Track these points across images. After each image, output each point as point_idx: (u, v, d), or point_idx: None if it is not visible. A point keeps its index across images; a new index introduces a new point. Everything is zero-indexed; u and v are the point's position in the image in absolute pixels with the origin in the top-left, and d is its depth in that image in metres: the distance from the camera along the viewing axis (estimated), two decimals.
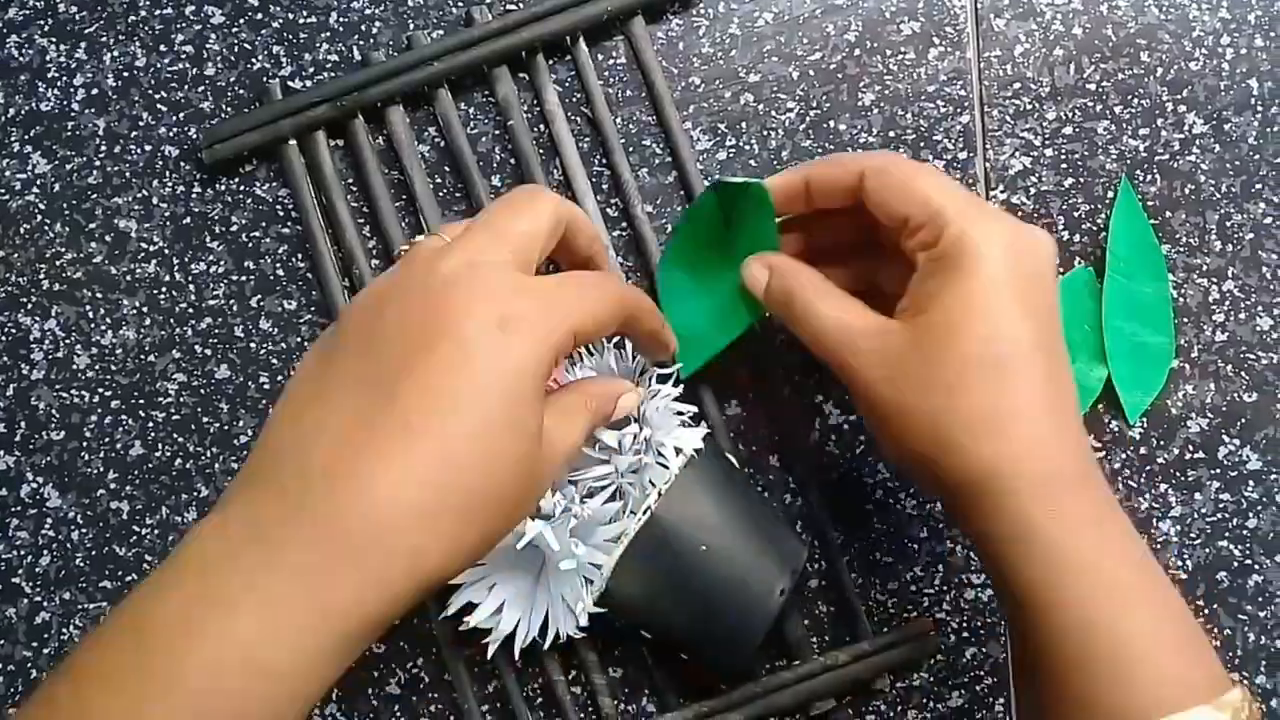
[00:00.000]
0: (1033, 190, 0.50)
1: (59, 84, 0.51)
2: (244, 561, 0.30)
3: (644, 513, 0.43)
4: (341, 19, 0.51)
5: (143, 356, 0.50)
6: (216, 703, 0.29)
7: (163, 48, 0.51)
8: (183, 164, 0.51)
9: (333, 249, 0.50)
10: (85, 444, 0.50)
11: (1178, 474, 0.49)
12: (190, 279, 0.50)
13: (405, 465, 0.31)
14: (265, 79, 0.51)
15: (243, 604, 0.30)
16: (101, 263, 0.50)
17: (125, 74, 0.51)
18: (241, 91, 0.51)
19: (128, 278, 0.50)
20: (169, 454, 0.49)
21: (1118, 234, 0.49)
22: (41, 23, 0.51)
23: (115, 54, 0.51)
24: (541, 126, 0.50)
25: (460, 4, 0.51)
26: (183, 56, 0.51)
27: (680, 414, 0.46)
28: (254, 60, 0.51)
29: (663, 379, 0.47)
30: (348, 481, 0.31)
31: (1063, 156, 0.50)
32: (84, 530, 0.49)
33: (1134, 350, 0.49)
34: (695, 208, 0.46)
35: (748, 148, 0.50)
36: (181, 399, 0.50)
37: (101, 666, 0.30)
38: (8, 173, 0.51)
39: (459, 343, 0.32)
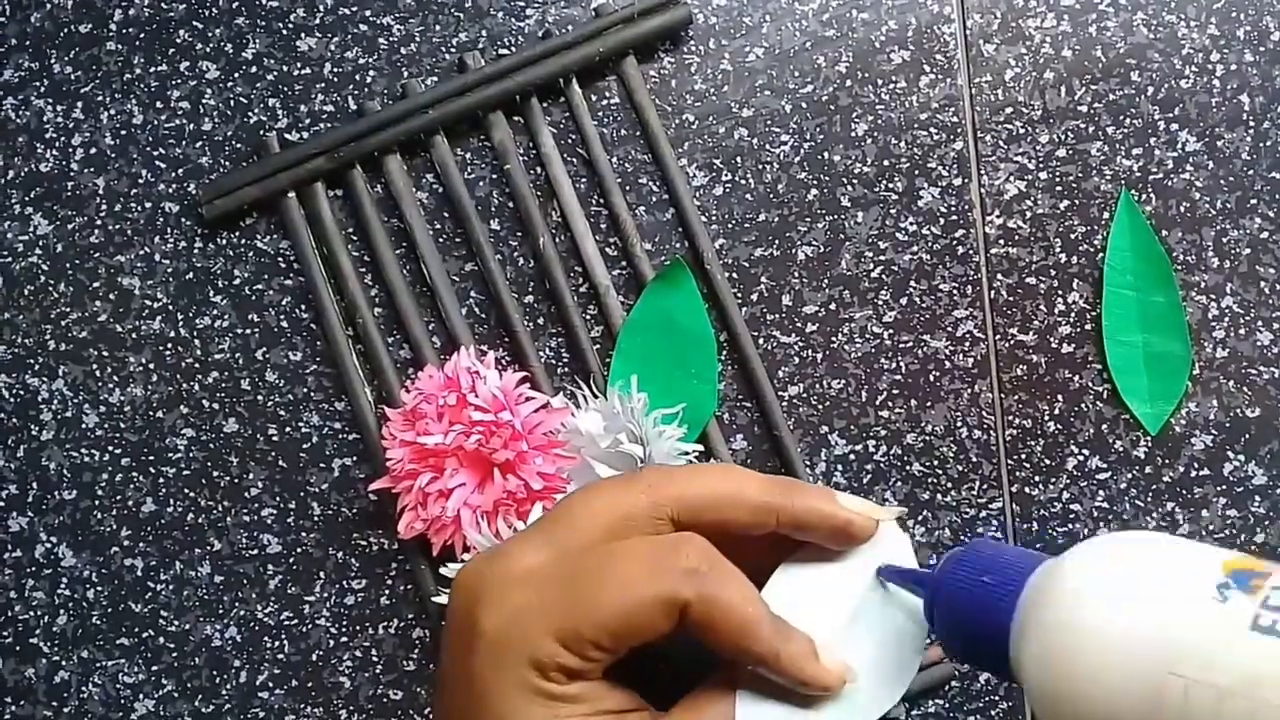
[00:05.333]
0: (1028, 214, 0.50)
1: (57, 144, 0.51)
2: None
3: None
4: (335, 69, 0.51)
5: (151, 413, 0.50)
6: None
7: (159, 104, 0.51)
8: (183, 220, 0.51)
9: (335, 299, 0.50)
10: (97, 502, 0.50)
11: (1184, 492, 0.49)
12: (195, 334, 0.50)
13: None
14: (262, 132, 0.51)
15: None
16: (106, 321, 0.51)
17: (123, 132, 0.51)
18: (239, 145, 0.51)
19: (133, 335, 0.50)
20: (180, 509, 0.50)
21: (1120, 247, 0.50)
22: (37, 84, 0.51)
23: (112, 112, 0.51)
24: (538, 169, 0.51)
25: (453, 50, 0.51)
26: (179, 112, 0.51)
27: (686, 453, 0.46)
28: (250, 114, 0.51)
29: (667, 419, 0.47)
30: None
31: (1057, 179, 0.50)
32: (99, 588, 0.50)
33: (1149, 361, 0.49)
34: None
35: (743, 182, 0.50)
36: (191, 454, 0.50)
37: None
38: (10, 235, 0.51)
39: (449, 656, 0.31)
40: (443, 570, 0.46)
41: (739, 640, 0.30)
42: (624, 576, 0.30)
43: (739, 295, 0.50)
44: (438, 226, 0.51)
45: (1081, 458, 0.49)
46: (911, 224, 0.50)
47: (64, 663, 0.49)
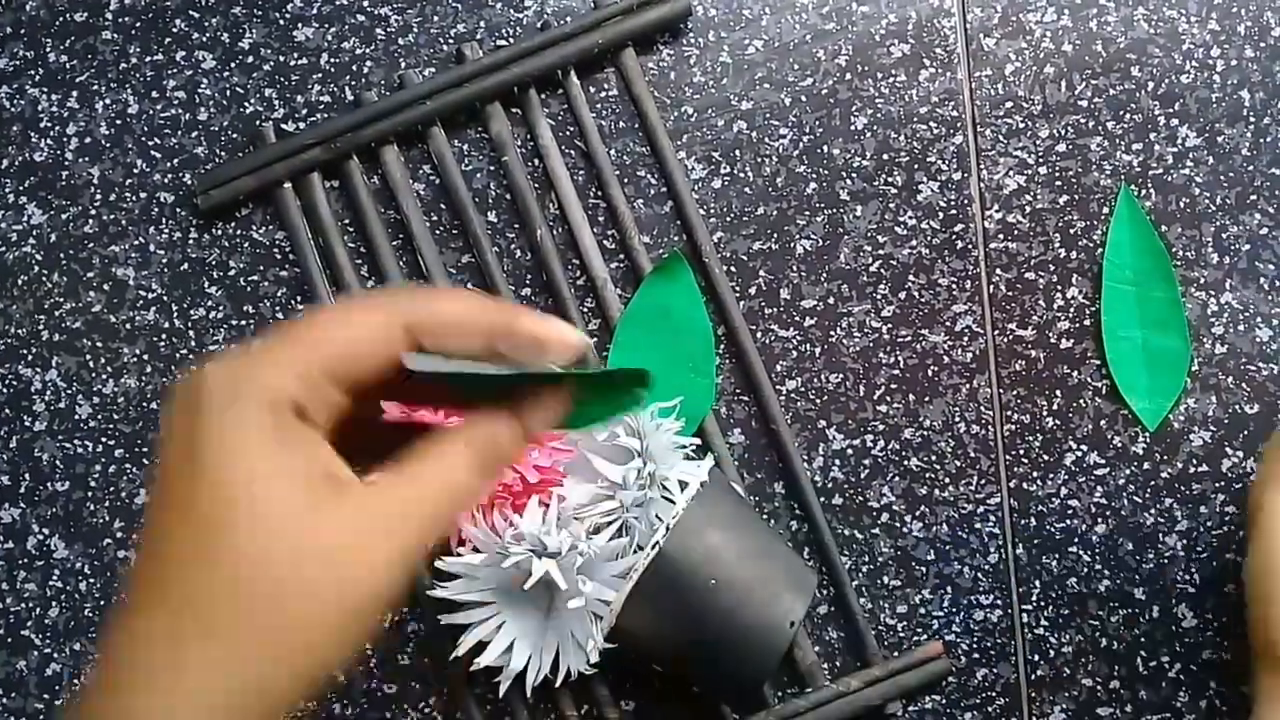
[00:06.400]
0: (1028, 209, 0.50)
1: (52, 134, 0.51)
2: None
3: (652, 548, 0.43)
4: (333, 60, 0.51)
5: (145, 404, 0.50)
6: None
7: (155, 94, 0.51)
8: (178, 210, 0.51)
9: (331, 290, 0.50)
10: (90, 494, 0.50)
11: (1183, 488, 0.49)
12: (190, 325, 0.50)
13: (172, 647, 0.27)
14: (258, 122, 0.51)
15: None
16: (101, 311, 0.50)
17: (118, 122, 0.51)
18: (235, 135, 0.51)
19: (127, 326, 0.50)
20: None
21: (1119, 243, 0.49)
22: (32, 73, 0.51)
23: (107, 102, 0.51)
24: (536, 161, 0.50)
25: (451, 41, 0.51)
26: (175, 102, 0.51)
27: (683, 447, 0.46)
28: (246, 104, 0.51)
29: (664, 413, 0.47)
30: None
31: (1057, 174, 0.50)
32: (92, 580, 0.49)
33: (1148, 357, 0.49)
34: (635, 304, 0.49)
35: (742, 175, 0.50)
36: None
37: None
38: (3, 224, 0.51)
39: (163, 464, 0.29)
40: (437, 563, 0.46)
41: (476, 321, 0.30)
42: (349, 317, 0.29)
43: (737, 289, 0.50)
44: (434, 218, 0.50)
45: (1080, 453, 0.49)
46: (910, 218, 0.50)
47: (56, 655, 0.49)
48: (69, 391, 0.50)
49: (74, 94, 0.51)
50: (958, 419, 0.49)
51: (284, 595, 0.27)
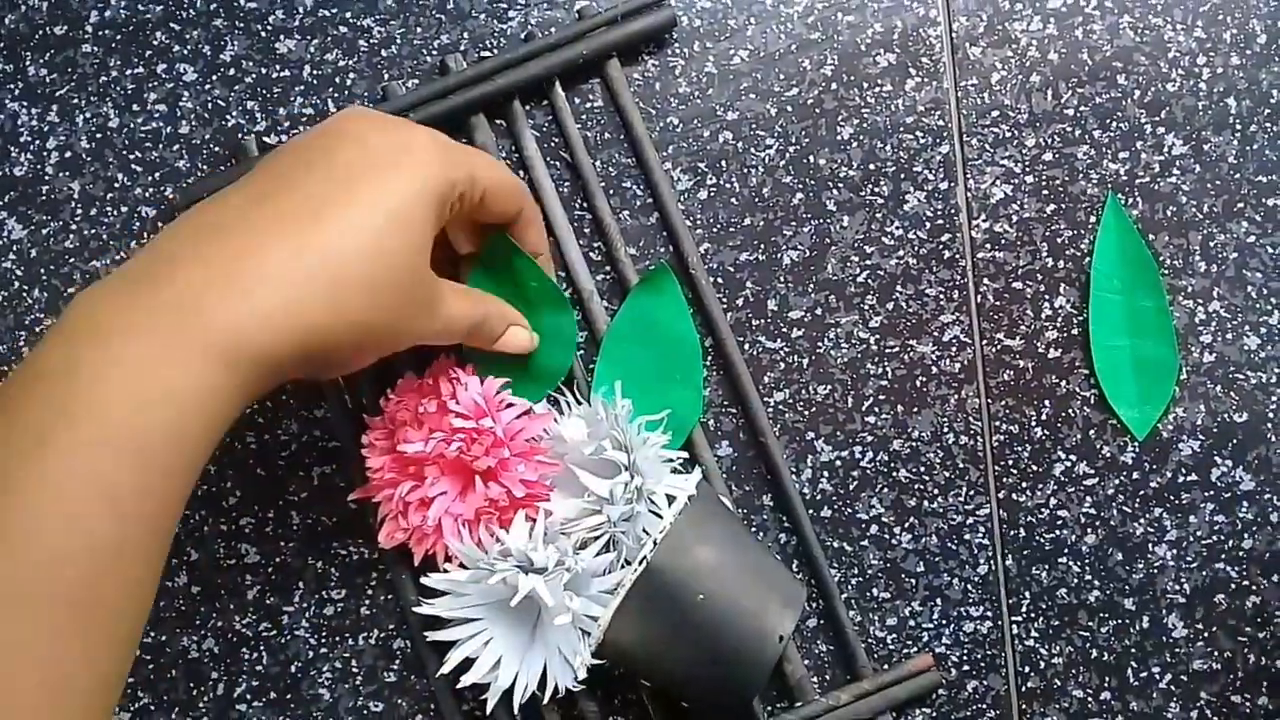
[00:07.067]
0: (1015, 218, 0.50)
1: (31, 148, 0.50)
2: (123, 302, 0.33)
3: (639, 563, 0.42)
4: (315, 72, 0.50)
5: None
6: (118, 427, 0.32)
7: (135, 107, 0.51)
8: (160, 225, 0.50)
9: None
10: None
11: (1172, 498, 0.49)
12: None
13: (295, 232, 0.35)
14: (240, 135, 0.50)
15: (127, 334, 0.32)
16: None
17: (98, 135, 0.50)
18: (217, 149, 0.50)
19: None
20: None
21: (1106, 252, 0.49)
22: (11, 86, 0.51)
23: (88, 115, 0.51)
24: (521, 172, 0.50)
25: (434, 53, 0.50)
26: (156, 115, 0.51)
27: (670, 460, 0.46)
28: (228, 117, 0.50)
29: (651, 426, 0.46)
30: (239, 237, 0.35)
31: (1044, 183, 0.50)
32: None
33: (1136, 366, 0.49)
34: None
35: (728, 186, 0.50)
36: None
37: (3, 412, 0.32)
38: None
39: (363, 148, 0.37)
40: (424, 580, 0.46)
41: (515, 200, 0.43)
42: (506, 174, 0.43)
43: (724, 300, 0.50)
44: None
45: (1069, 463, 0.49)
46: (897, 228, 0.50)
47: None
48: None
49: (54, 108, 0.51)
50: (946, 430, 0.49)
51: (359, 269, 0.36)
